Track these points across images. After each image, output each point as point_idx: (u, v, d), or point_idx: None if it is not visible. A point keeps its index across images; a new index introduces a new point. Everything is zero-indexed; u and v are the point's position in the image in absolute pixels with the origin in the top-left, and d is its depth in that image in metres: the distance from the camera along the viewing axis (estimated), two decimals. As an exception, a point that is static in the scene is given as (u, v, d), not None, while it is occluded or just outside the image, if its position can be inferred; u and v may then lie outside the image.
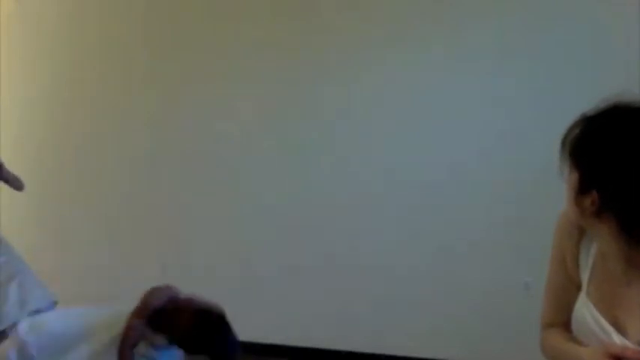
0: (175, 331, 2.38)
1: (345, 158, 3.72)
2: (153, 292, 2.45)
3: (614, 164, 1.07)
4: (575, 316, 1.20)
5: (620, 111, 1.11)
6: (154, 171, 4.12)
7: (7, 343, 2.37)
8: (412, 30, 3.60)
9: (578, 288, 1.22)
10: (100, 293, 3.84)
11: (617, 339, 1.10)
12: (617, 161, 1.06)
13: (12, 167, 3.14)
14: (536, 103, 3.35)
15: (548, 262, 1.31)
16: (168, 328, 2.40)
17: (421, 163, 3.57)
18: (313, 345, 3.73)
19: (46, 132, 4.39)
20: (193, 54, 4.02)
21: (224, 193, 3.96)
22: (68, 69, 4.35)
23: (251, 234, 3.89)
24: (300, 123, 3.82)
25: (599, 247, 1.19)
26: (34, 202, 4.09)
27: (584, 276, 1.21)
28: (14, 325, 2.58)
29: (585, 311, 1.17)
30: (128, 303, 2.42)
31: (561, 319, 1.26)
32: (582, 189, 1.12)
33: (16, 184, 3.10)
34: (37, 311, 2.81)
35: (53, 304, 2.97)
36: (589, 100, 1.15)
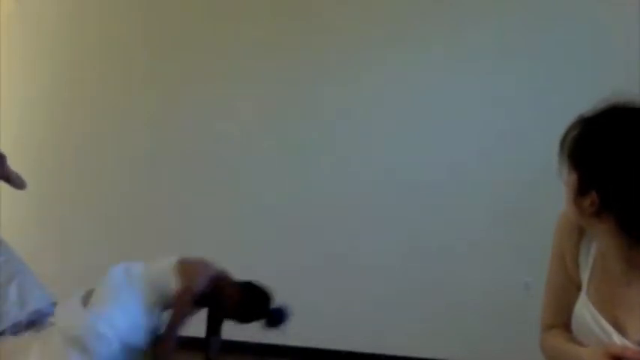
0: (225, 307, 2.62)
1: (345, 158, 3.72)
2: (196, 273, 2.57)
3: (613, 164, 1.07)
4: (575, 317, 1.20)
5: (618, 111, 1.11)
6: (154, 171, 4.12)
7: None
8: (412, 30, 3.60)
9: (578, 288, 1.22)
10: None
11: (617, 339, 1.10)
12: (616, 161, 1.06)
13: (12, 167, 3.13)
14: (536, 103, 3.35)
15: (548, 263, 1.31)
16: (218, 305, 2.63)
17: (421, 163, 3.57)
18: (313, 345, 3.73)
19: (46, 132, 4.38)
20: (193, 54, 4.02)
21: (224, 193, 3.96)
22: (68, 69, 4.35)
23: (251, 234, 3.89)
24: (300, 123, 3.82)
25: (599, 247, 1.19)
26: (34, 202, 4.08)
27: (584, 276, 1.21)
28: (14, 325, 2.59)
29: (585, 311, 1.17)
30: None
31: (561, 320, 1.26)
32: (581, 190, 1.12)
33: (17, 182, 3.09)
34: (37, 311, 2.81)
35: (53, 305, 2.97)
36: (589, 100, 1.15)
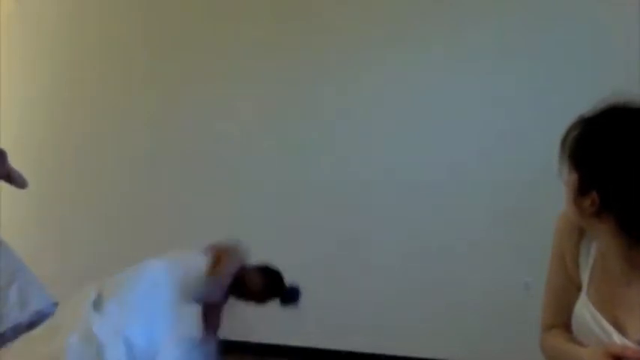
0: (251, 292, 2.71)
1: (345, 158, 3.72)
2: (228, 259, 2.65)
3: (613, 165, 1.07)
4: (575, 317, 1.20)
5: (618, 111, 1.11)
6: (154, 171, 4.12)
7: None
8: (412, 30, 3.60)
9: (578, 288, 1.22)
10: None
11: (617, 339, 1.10)
12: (616, 162, 1.07)
13: (13, 166, 3.14)
14: (536, 103, 3.35)
15: (548, 263, 1.31)
16: (244, 291, 2.71)
17: (421, 163, 3.57)
18: (313, 345, 3.73)
19: (46, 132, 4.39)
20: (193, 54, 4.02)
21: (224, 193, 3.96)
22: (68, 69, 4.35)
23: (251, 234, 3.88)
24: (300, 123, 3.82)
25: (599, 247, 1.19)
26: (34, 202, 4.09)
27: (584, 276, 1.21)
28: (15, 327, 2.58)
29: (585, 311, 1.17)
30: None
31: (561, 320, 1.26)
32: (582, 190, 1.12)
33: (19, 180, 3.10)
34: (38, 312, 2.81)
35: (53, 305, 2.97)
36: (589, 100, 1.15)
